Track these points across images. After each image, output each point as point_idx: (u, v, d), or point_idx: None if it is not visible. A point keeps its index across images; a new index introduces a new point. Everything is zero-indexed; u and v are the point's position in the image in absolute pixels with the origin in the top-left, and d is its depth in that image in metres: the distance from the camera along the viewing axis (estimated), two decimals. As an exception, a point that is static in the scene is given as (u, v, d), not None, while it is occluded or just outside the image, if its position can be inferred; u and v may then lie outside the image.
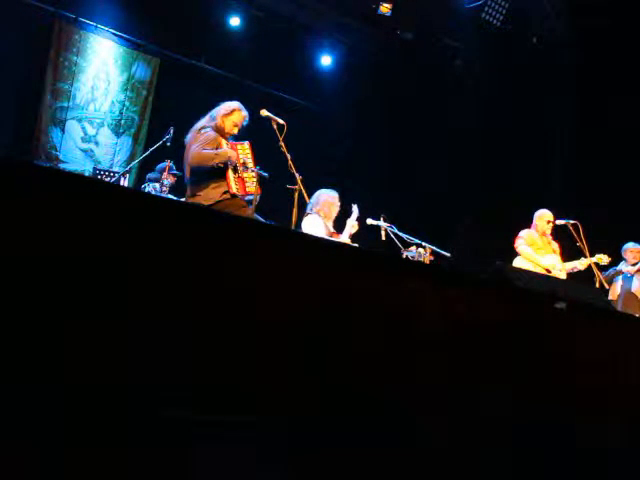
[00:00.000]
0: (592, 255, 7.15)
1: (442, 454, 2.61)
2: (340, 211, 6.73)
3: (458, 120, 10.40)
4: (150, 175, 7.80)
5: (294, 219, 5.64)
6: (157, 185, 7.37)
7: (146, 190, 7.18)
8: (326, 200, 6.62)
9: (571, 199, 9.58)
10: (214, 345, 2.11)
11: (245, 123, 5.71)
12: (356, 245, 6.32)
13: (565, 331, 3.10)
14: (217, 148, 5.43)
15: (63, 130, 9.30)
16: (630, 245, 8.42)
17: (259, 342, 2.20)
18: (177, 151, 6.16)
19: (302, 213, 6.23)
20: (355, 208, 6.74)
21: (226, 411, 2.09)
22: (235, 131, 5.66)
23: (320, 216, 6.54)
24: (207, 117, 5.62)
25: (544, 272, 6.93)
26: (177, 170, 7.40)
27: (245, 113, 5.70)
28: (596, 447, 3.08)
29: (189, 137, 5.52)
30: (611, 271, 8.28)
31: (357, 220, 6.70)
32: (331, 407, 2.34)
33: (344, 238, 6.52)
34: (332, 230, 6.60)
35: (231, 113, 5.63)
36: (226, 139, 5.60)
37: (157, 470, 1.96)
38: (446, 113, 10.46)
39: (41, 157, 9.02)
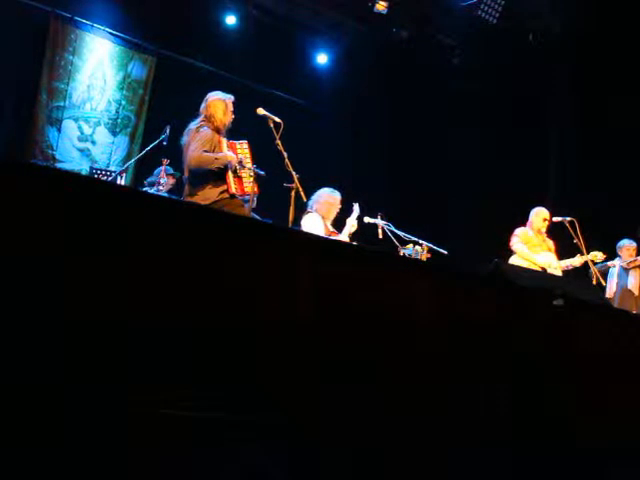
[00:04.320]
0: (588, 252, 7.17)
1: (443, 453, 2.62)
2: (341, 209, 6.75)
3: (456, 118, 10.40)
4: (149, 179, 7.78)
5: (291, 217, 5.63)
6: (155, 189, 7.36)
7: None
8: (326, 200, 6.63)
9: (569, 196, 9.58)
10: (214, 344, 2.11)
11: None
12: (355, 243, 6.32)
13: (563, 328, 3.11)
14: (215, 148, 5.44)
15: (59, 129, 9.28)
16: (625, 242, 8.42)
17: (259, 340, 2.20)
18: (173, 150, 6.15)
19: (299, 211, 6.23)
20: (356, 207, 6.75)
21: (226, 410, 2.10)
22: (232, 118, 5.69)
23: (319, 215, 6.55)
24: (202, 116, 5.62)
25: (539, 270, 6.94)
26: (176, 171, 7.39)
27: (230, 97, 5.72)
28: (596, 447, 3.09)
29: (186, 137, 5.52)
30: (606, 264, 8.24)
31: (357, 219, 6.71)
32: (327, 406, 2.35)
33: (343, 237, 6.53)
34: (331, 229, 6.61)
35: (226, 108, 5.65)
36: (224, 135, 5.61)
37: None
38: (444, 111, 10.45)
39: (37, 156, 9.00)
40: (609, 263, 8.32)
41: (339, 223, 6.77)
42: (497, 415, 2.82)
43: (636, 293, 8.16)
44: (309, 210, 6.59)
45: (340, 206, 6.72)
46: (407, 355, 2.56)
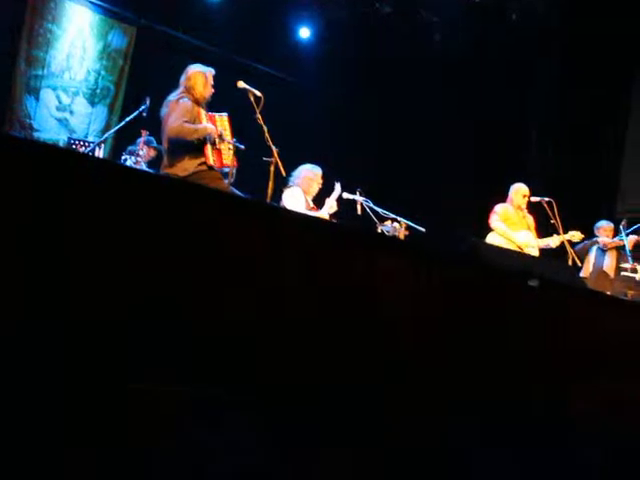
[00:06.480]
0: (565, 232, 7.21)
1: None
2: (323, 185, 6.76)
3: (438, 94, 10.40)
4: (130, 148, 7.68)
5: (270, 192, 5.63)
6: (133, 159, 7.29)
7: (127, 163, 7.09)
8: (306, 176, 6.66)
9: (548, 176, 9.65)
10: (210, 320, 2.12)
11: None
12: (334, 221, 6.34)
13: (538, 310, 3.13)
14: (195, 120, 5.41)
15: (37, 98, 9.16)
16: (603, 223, 8.47)
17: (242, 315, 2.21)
18: (153, 122, 6.10)
19: (278, 186, 6.22)
20: (337, 186, 6.77)
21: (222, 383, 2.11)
22: (212, 91, 5.64)
23: (301, 189, 6.57)
24: (182, 88, 5.57)
25: (517, 249, 6.97)
26: (159, 144, 7.32)
27: (211, 70, 5.68)
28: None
29: (166, 108, 5.48)
30: (587, 242, 8.24)
31: (337, 199, 6.73)
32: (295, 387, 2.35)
33: (322, 214, 6.54)
34: (312, 204, 6.63)
35: (206, 80, 5.60)
36: (203, 108, 5.57)
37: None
38: (426, 86, 10.43)
39: (15, 126, 8.89)
40: (594, 240, 8.34)
41: (321, 200, 6.77)
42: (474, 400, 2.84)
43: (611, 275, 8.21)
44: (290, 184, 6.60)
45: (321, 182, 6.72)
46: (378, 335, 2.57)
